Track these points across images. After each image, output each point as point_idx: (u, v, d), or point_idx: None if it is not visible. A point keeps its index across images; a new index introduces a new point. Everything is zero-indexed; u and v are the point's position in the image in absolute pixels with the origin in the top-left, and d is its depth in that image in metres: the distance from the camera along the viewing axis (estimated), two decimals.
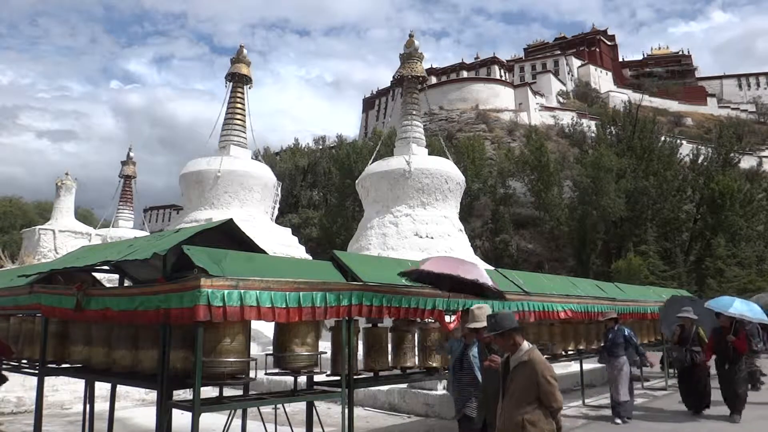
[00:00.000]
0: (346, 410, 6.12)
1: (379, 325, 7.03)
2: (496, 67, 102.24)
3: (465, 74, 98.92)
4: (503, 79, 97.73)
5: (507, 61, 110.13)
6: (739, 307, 9.92)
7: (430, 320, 7.36)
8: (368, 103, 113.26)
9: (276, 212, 25.56)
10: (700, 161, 51.98)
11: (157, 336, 5.42)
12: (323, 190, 64.10)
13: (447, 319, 7.22)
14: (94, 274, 7.63)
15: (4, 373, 7.77)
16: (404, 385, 10.63)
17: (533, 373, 4.43)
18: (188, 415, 4.99)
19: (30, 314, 7.91)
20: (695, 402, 10.48)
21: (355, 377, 6.48)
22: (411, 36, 21.90)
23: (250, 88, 24.50)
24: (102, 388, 8.75)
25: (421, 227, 19.21)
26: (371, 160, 22.42)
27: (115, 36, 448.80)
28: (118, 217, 32.99)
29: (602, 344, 10.47)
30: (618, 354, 9.90)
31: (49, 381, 9.19)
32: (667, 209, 45.62)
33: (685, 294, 16.87)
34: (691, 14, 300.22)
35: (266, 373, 6.34)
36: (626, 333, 10.05)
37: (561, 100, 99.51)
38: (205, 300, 4.77)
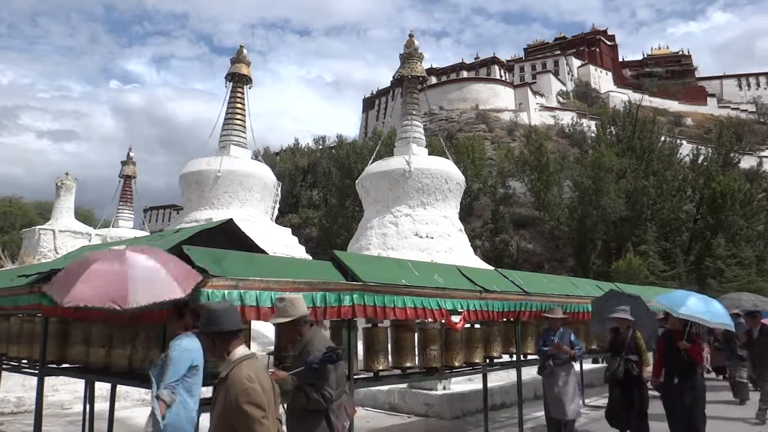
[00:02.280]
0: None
1: (379, 325, 7.03)
2: (496, 67, 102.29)
3: (465, 74, 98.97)
4: (503, 79, 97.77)
5: (507, 61, 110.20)
6: (693, 307, 7.83)
7: (429, 320, 7.35)
8: (368, 103, 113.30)
9: (276, 212, 25.54)
10: (700, 161, 51.97)
11: (158, 336, 5.42)
12: (323, 190, 64.10)
13: (454, 319, 7.21)
14: None
15: None
16: (404, 385, 10.63)
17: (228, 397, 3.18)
18: None
19: (30, 314, 7.91)
20: (625, 427, 8.27)
21: (355, 377, 6.48)
22: (411, 36, 21.90)
23: (250, 88, 24.48)
24: (102, 388, 8.74)
25: (421, 227, 19.21)
26: (371, 160, 22.42)
27: (115, 36, 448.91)
28: (118, 217, 32.99)
29: (541, 349, 8.46)
30: (561, 362, 8.17)
31: (49, 381, 9.19)
32: (667, 209, 45.61)
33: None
34: (691, 14, 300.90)
35: None
36: (572, 338, 8.37)
37: (561, 100, 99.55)
38: (205, 300, 4.77)
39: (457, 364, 7.79)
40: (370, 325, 7.03)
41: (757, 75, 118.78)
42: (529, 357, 9.25)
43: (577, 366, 9.55)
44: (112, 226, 31.37)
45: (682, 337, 7.85)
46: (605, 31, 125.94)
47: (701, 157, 52.45)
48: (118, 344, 6.06)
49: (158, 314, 5.15)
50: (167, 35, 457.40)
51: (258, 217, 22.32)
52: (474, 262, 18.63)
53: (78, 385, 9.97)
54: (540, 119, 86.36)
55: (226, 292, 4.92)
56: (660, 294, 10.81)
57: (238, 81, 24.00)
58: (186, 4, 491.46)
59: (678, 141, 58.20)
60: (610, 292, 9.84)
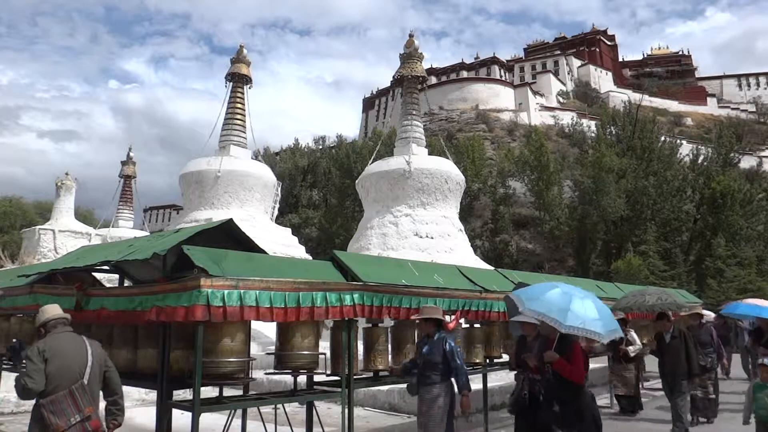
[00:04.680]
0: (346, 410, 6.12)
1: (379, 325, 7.03)
2: (496, 67, 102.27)
3: (465, 74, 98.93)
4: (503, 79, 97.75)
5: (507, 61, 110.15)
6: (545, 304, 5.42)
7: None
8: (368, 103, 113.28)
9: (276, 212, 25.57)
10: (700, 161, 51.99)
11: (157, 336, 5.43)
12: (323, 190, 64.09)
13: (446, 318, 7.20)
14: (94, 274, 7.62)
15: None
16: (404, 385, 10.61)
17: None
18: (188, 415, 4.99)
19: (30, 314, 7.91)
20: None
21: (355, 377, 6.48)
22: (411, 36, 21.92)
23: (250, 88, 24.51)
24: None
25: (421, 227, 19.22)
26: (371, 160, 22.44)
27: (116, 36, 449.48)
28: (118, 217, 33.01)
29: (410, 364, 6.43)
30: (431, 380, 6.07)
31: None
32: (667, 209, 45.62)
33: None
34: (690, 14, 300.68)
35: (266, 373, 6.34)
36: (448, 347, 6.09)
37: (561, 100, 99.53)
38: (204, 300, 4.77)
39: None
40: (370, 325, 7.03)
41: (757, 75, 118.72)
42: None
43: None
44: (112, 226, 31.39)
45: (551, 346, 5.56)
46: (605, 31, 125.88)
47: (701, 157, 52.47)
48: (118, 344, 6.06)
49: (157, 314, 5.15)
50: (168, 35, 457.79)
51: (258, 217, 22.34)
52: (474, 262, 18.64)
53: None
54: (540, 119, 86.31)
55: (226, 292, 4.93)
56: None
57: (238, 81, 24.01)
58: (188, 4, 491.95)
59: (678, 141, 58.21)
60: (519, 285, 7.67)
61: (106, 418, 4.71)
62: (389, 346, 7.16)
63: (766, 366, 6.92)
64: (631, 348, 10.51)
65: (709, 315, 12.88)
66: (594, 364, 14.32)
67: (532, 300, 5.56)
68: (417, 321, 6.56)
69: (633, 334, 10.81)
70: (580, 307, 5.34)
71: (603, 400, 11.61)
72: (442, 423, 6.02)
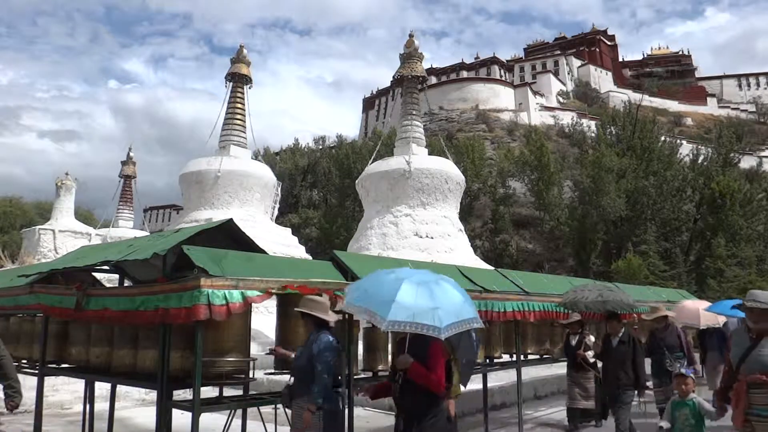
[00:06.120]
0: (346, 410, 6.12)
1: None
2: (496, 67, 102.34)
3: (465, 74, 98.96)
4: (503, 79, 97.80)
5: (507, 61, 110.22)
6: (369, 294, 4.40)
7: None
8: (368, 103, 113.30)
9: (276, 212, 25.58)
10: (700, 161, 51.99)
11: (157, 336, 5.42)
12: (323, 190, 64.11)
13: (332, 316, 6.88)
14: (94, 274, 7.63)
15: None
16: None
17: None
18: (188, 415, 4.99)
19: (30, 314, 7.91)
20: None
21: (355, 377, 6.47)
22: (411, 36, 21.94)
23: (250, 88, 24.51)
24: (102, 388, 8.74)
25: (421, 227, 19.23)
26: (371, 160, 22.45)
27: (117, 36, 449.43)
28: (118, 217, 33.03)
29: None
30: (302, 391, 5.13)
31: (49, 381, 9.17)
32: (667, 209, 45.62)
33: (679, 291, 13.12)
34: (690, 14, 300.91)
35: (266, 373, 6.33)
36: (316, 348, 4.99)
37: (561, 100, 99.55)
38: (205, 300, 4.77)
39: None
40: (370, 325, 7.02)
41: (757, 75, 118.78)
42: (530, 357, 9.24)
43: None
44: (112, 226, 31.41)
45: (404, 348, 4.63)
46: (605, 31, 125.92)
47: (701, 157, 52.47)
48: (118, 344, 6.06)
49: (157, 314, 5.15)
50: (168, 35, 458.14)
51: (258, 217, 22.34)
52: (474, 262, 18.65)
53: (78, 385, 9.97)
54: (540, 119, 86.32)
55: (226, 292, 4.93)
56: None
57: (238, 81, 24.01)
58: (189, 4, 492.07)
59: (678, 141, 58.23)
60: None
61: (5, 400, 5.12)
62: (389, 346, 7.16)
63: (683, 377, 5.76)
64: (590, 353, 9.15)
65: (718, 320, 10.56)
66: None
67: (358, 290, 4.59)
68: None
69: (591, 337, 9.53)
70: (409, 295, 4.17)
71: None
72: None
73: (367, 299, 4.30)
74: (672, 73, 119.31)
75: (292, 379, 5.20)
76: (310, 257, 20.39)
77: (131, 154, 35.06)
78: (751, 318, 4.93)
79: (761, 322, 4.85)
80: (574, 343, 9.40)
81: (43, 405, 7.13)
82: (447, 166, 20.91)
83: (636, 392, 7.84)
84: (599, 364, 8.95)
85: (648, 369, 8.74)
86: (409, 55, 21.61)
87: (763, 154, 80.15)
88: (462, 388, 5.64)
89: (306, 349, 5.02)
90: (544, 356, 10.15)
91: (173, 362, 5.33)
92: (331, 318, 5.11)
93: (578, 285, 9.29)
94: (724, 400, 5.20)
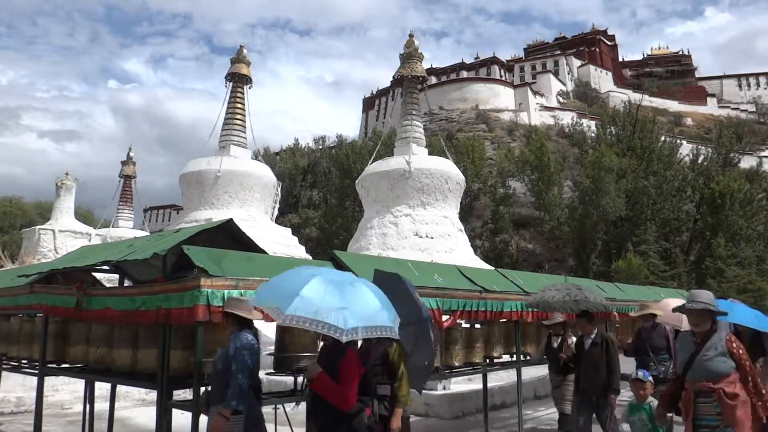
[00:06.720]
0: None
1: None
2: (496, 67, 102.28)
3: (465, 74, 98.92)
4: (503, 79, 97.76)
5: (507, 61, 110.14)
6: (275, 290, 4.08)
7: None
8: (368, 103, 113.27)
9: (276, 212, 25.58)
10: (700, 161, 52.03)
11: (157, 336, 5.42)
12: (323, 190, 64.15)
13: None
14: (94, 274, 7.63)
15: None
16: None
17: None
18: (188, 415, 5.00)
19: (30, 314, 7.91)
20: None
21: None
22: (411, 36, 21.94)
23: (250, 88, 24.53)
24: (102, 388, 8.75)
25: (421, 227, 19.23)
26: (371, 160, 22.45)
27: (117, 36, 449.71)
28: (118, 217, 33.04)
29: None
30: (219, 397, 4.64)
31: (49, 381, 9.19)
32: (667, 209, 45.63)
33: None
34: (690, 14, 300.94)
35: (266, 373, 6.33)
36: (233, 349, 4.61)
37: (561, 100, 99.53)
38: (204, 300, 4.77)
39: (457, 364, 7.77)
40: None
41: (757, 75, 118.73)
42: (529, 357, 9.19)
43: None
44: (112, 226, 31.42)
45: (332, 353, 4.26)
46: (605, 31, 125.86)
47: (701, 157, 52.51)
48: (118, 344, 6.06)
49: (158, 314, 5.16)
50: (168, 35, 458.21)
51: (258, 217, 22.34)
52: (474, 262, 18.64)
53: (78, 385, 9.97)
54: (540, 119, 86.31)
55: (226, 292, 4.93)
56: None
57: (238, 81, 24.02)
58: (189, 4, 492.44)
59: (678, 141, 58.24)
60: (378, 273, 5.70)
61: None
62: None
63: (641, 382, 5.67)
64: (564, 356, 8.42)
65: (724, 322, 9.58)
66: None
67: (267, 285, 4.27)
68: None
69: (573, 338, 8.75)
70: (316, 291, 3.83)
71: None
72: None
73: (274, 293, 3.97)
74: (672, 73, 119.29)
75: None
76: (310, 257, 20.39)
77: (131, 154, 35.08)
78: (691, 320, 4.71)
79: (701, 324, 4.63)
80: (555, 345, 9.07)
81: (43, 405, 7.12)
82: (447, 166, 20.91)
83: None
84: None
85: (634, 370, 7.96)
86: (409, 55, 21.62)
87: (763, 154, 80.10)
88: (418, 394, 5.16)
89: (225, 350, 4.69)
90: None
91: (173, 362, 5.33)
92: (255, 317, 4.77)
93: (546, 284, 8.55)
94: (666, 407, 4.92)
